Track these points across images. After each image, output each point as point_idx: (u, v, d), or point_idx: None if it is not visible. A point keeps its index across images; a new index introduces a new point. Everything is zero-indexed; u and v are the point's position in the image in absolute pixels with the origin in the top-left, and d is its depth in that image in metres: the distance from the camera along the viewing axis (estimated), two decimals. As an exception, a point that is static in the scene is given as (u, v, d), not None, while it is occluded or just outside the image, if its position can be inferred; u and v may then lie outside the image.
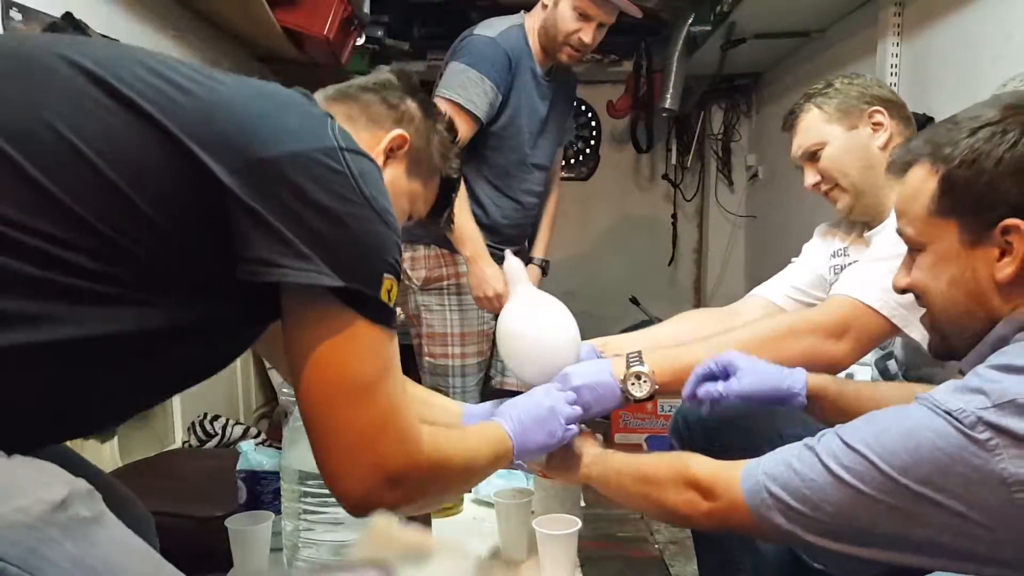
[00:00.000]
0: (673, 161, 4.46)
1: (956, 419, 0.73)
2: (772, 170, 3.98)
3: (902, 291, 0.95)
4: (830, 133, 1.46)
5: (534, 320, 1.27)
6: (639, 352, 1.17)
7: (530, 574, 1.18)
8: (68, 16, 1.77)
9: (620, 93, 4.29)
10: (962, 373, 0.88)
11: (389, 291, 0.81)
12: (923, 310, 0.95)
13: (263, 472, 1.30)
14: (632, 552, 1.77)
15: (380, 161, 0.97)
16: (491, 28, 2.15)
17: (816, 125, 1.48)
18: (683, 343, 1.21)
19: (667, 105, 3.77)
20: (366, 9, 3.13)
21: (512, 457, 1.05)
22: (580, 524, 1.14)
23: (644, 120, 4.20)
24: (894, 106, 1.47)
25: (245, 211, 0.76)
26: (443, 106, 1.80)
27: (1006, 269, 0.82)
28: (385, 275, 0.80)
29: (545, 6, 2.13)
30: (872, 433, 0.78)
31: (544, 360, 1.25)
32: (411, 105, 1.05)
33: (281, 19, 2.65)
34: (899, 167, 0.93)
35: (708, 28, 3.39)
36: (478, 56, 2.08)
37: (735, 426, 1.26)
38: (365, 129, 1.00)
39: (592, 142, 4.49)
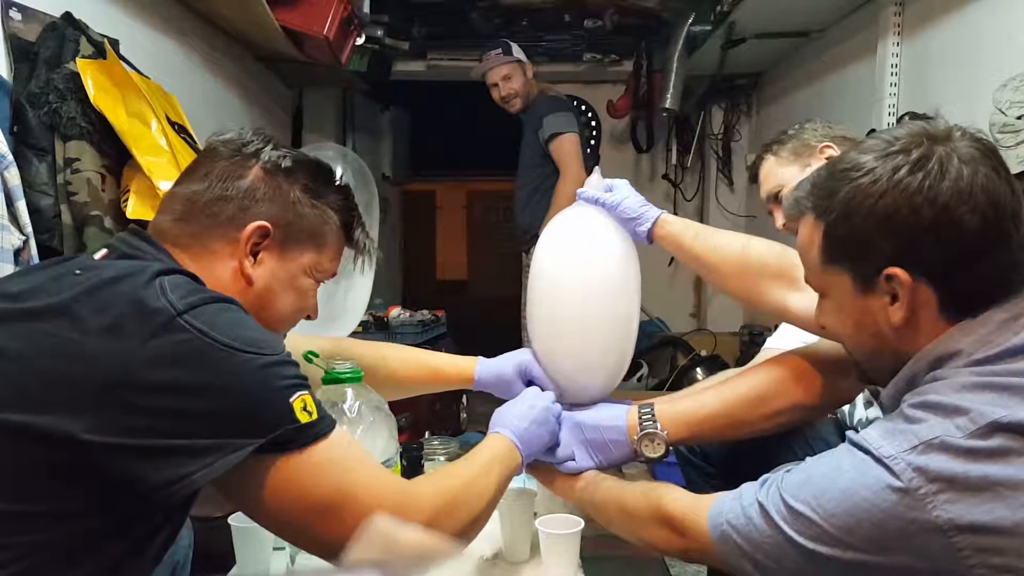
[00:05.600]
0: (673, 161, 4.46)
1: (888, 468, 0.74)
2: (772, 170, 3.97)
3: (820, 327, 0.97)
4: (786, 175, 1.55)
5: (576, 272, 1.15)
6: (651, 407, 1.13)
7: (532, 574, 1.18)
8: (68, 16, 1.77)
9: (620, 93, 4.29)
10: (882, 406, 0.90)
11: (304, 408, 0.77)
12: None
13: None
14: (632, 552, 1.76)
15: (250, 264, 0.91)
16: None
17: (773, 170, 1.59)
18: (695, 392, 1.18)
19: (667, 105, 3.77)
20: (366, 9, 3.13)
21: (521, 462, 1.04)
22: (583, 524, 1.14)
23: (644, 120, 4.20)
24: (846, 141, 1.52)
25: (119, 450, 0.70)
26: None
27: (898, 314, 0.83)
28: (290, 399, 0.76)
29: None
30: (812, 494, 0.79)
31: (567, 340, 1.18)
32: (255, 174, 0.93)
33: (281, 19, 2.66)
34: (792, 217, 0.95)
35: (708, 28, 3.39)
36: None
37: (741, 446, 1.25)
38: (221, 240, 0.91)
39: (592, 142, 4.48)
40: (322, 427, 0.78)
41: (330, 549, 0.79)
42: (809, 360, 1.11)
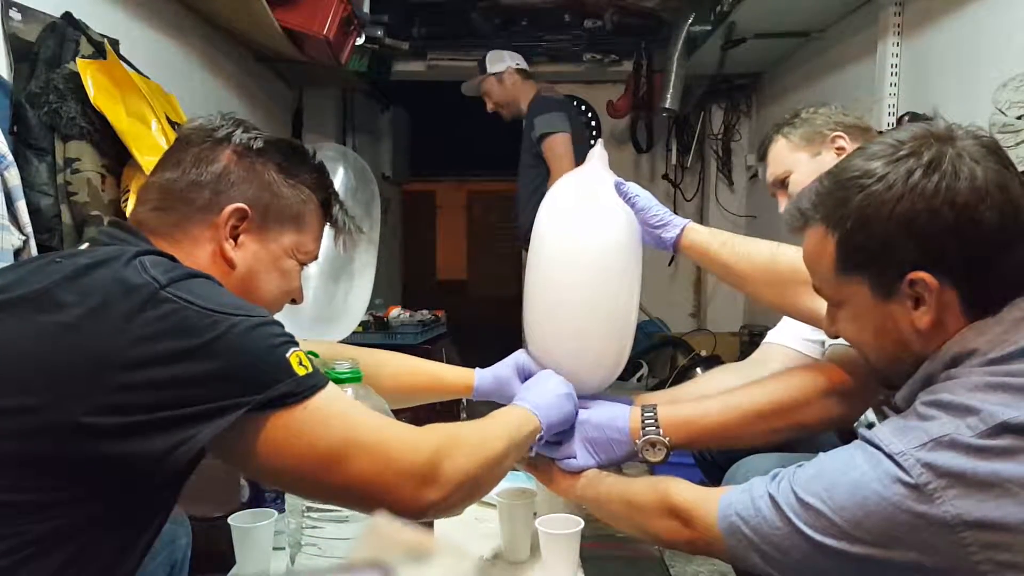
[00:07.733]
0: (673, 161, 4.46)
1: (897, 463, 0.75)
2: (772, 170, 3.98)
3: (834, 336, 0.97)
4: (796, 160, 1.51)
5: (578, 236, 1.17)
6: (654, 409, 1.13)
7: (532, 574, 1.18)
8: (68, 16, 1.77)
9: (620, 93, 4.29)
10: (895, 407, 0.90)
11: (300, 363, 0.77)
12: None
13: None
14: (632, 552, 1.77)
15: (231, 247, 0.91)
16: None
17: (783, 154, 1.54)
18: (700, 400, 1.18)
19: (667, 105, 3.77)
20: (366, 9, 3.14)
21: (539, 426, 1.04)
22: (583, 524, 1.14)
23: (644, 120, 4.20)
24: (858, 131, 1.50)
25: (121, 428, 0.71)
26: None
27: (924, 318, 0.83)
28: (285, 356, 0.77)
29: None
30: (823, 487, 0.80)
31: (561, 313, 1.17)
32: (227, 157, 0.93)
33: (281, 19, 2.66)
34: (795, 228, 0.94)
35: (708, 28, 3.39)
36: None
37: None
38: (200, 226, 0.91)
39: (592, 142, 4.47)
40: (319, 378, 0.80)
41: (345, 495, 0.80)
42: (815, 383, 1.11)
